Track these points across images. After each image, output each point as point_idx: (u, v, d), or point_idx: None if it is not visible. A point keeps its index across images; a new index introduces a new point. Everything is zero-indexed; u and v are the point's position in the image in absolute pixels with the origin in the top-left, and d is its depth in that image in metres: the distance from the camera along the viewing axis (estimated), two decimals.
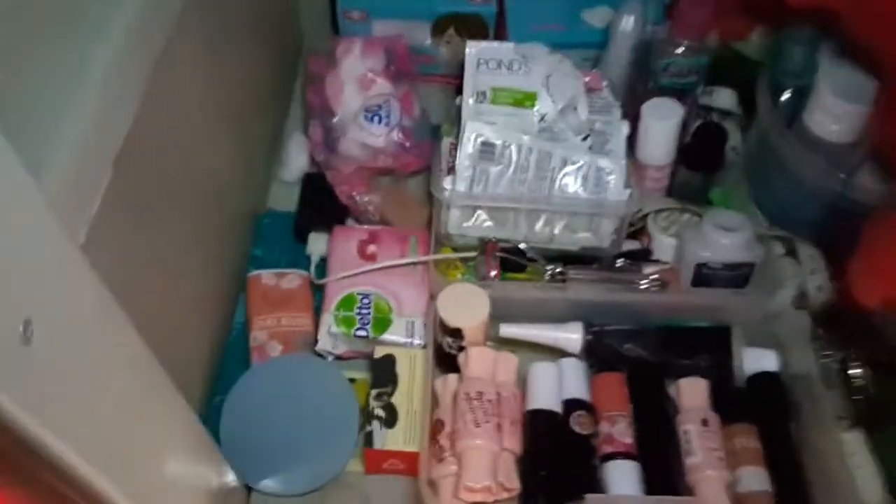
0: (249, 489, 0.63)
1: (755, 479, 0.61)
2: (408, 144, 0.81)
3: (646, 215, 0.76)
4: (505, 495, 0.59)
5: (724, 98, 0.80)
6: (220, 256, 0.72)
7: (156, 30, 0.52)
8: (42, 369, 0.28)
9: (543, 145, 0.71)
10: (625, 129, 0.73)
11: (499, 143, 0.70)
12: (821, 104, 0.69)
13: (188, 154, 0.62)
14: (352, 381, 0.69)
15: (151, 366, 0.41)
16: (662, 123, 0.74)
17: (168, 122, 0.56)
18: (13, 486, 0.30)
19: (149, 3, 0.50)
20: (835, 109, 0.68)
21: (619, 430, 0.63)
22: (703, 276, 0.71)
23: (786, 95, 0.73)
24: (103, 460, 0.34)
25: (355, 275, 0.72)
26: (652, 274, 0.72)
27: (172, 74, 0.55)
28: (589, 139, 0.72)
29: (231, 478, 0.59)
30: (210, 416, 0.65)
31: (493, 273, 0.72)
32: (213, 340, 0.70)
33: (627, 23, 0.75)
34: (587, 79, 0.76)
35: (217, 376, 0.69)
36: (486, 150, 0.70)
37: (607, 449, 0.63)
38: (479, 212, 0.73)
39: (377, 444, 0.63)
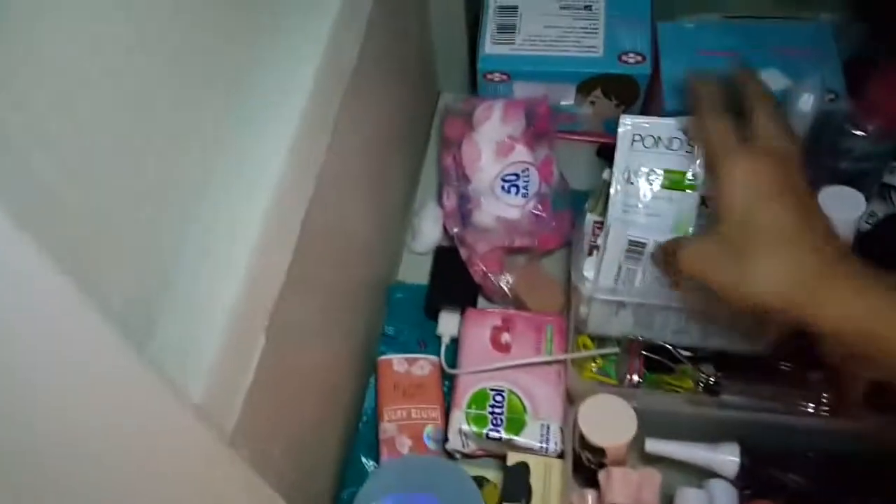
0: None
1: None
2: (545, 215, 0.76)
3: None
4: None
5: None
6: (354, 333, 0.71)
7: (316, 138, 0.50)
8: None
9: None
10: None
11: (649, 241, 0.64)
12: None
13: (344, 239, 0.61)
14: (480, 479, 0.66)
15: None
16: (843, 217, 0.65)
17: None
18: None
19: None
20: None
21: None
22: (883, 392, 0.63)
23: None
24: None
25: (489, 371, 0.68)
26: (818, 378, 0.65)
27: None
28: None
29: None
30: None
31: (635, 376, 0.67)
32: (345, 427, 0.69)
33: (806, 102, 0.66)
34: None
35: (347, 465, 0.68)
36: (634, 249, 0.64)
37: None
38: (622, 308, 0.67)
39: None
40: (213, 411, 0.37)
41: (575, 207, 0.77)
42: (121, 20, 0.33)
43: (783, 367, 0.66)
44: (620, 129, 0.68)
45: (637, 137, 0.68)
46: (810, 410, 0.63)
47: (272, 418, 0.47)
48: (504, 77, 0.77)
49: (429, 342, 0.74)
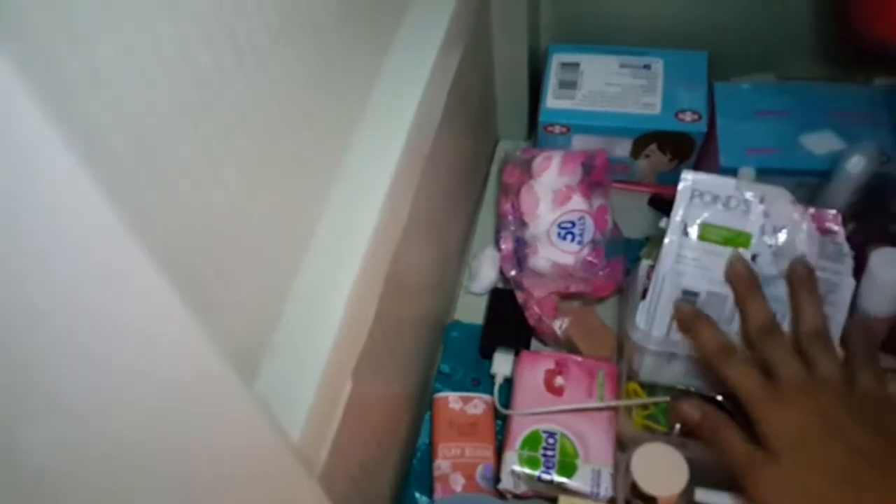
0: None
1: None
2: (598, 262, 0.79)
3: None
4: None
5: None
6: (414, 370, 0.73)
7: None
8: None
9: None
10: (849, 286, 0.66)
11: (702, 292, 0.66)
12: None
13: (413, 281, 0.65)
14: None
15: None
16: (894, 279, 0.67)
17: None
18: None
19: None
20: None
21: None
22: None
23: None
24: None
25: (542, 413, 0.70)
26: None
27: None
28: None
29: None
30: None
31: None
32: (400, 462, 0.71)
33: (857, 165, 0.68)
34: (828, 216, 0.69)
35: (402, 501, 0.70)
36: (687, 300, 0.66)
37: None
38: (674, 358, 0.69)
39: None
40: (307, 450, 0.40)
41: (627, 255, 0.80)
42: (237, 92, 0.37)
43: None
44: (681, 185, 0.70)
45: (696, 193, 0.71)
46: None
47: (349, 455, 0.50)
48: (564, 130, 0.81)
49: (482, 381, 0.77)
